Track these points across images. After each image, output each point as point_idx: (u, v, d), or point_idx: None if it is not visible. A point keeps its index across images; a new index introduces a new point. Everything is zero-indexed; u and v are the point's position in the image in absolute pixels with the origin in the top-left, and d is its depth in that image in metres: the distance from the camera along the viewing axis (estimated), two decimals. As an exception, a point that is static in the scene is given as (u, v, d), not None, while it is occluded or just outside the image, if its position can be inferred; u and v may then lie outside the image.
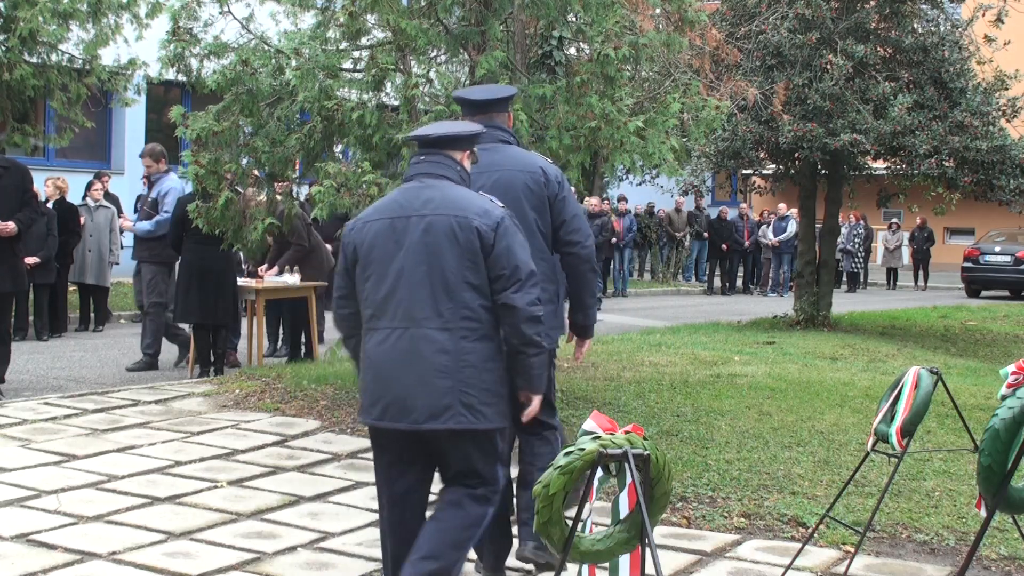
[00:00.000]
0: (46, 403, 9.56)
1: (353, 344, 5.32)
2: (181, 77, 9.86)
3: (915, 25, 17.87)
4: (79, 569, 5.85)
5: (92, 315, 16.05)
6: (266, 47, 9.58)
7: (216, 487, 7.43)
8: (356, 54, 9.74)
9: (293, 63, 9.12)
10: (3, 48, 15.42)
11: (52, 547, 6.15)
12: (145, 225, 12.29)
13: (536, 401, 5.20)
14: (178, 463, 7.93)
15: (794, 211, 24.72)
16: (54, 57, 16.61)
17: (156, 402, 9.70)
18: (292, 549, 6.31)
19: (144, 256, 12.48)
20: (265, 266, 12.79)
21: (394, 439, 5.13)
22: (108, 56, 16.82)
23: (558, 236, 6.00)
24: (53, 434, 8.53)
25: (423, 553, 5.04)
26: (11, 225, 9.76)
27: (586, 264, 6.00)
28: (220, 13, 9.80)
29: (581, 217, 6.05)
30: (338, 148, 10.38)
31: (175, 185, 12.42)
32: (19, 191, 10.00)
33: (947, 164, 17.59)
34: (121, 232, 12.79)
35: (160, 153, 12.51)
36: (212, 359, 11.72)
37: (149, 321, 12.31)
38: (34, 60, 16.13)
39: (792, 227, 26.91)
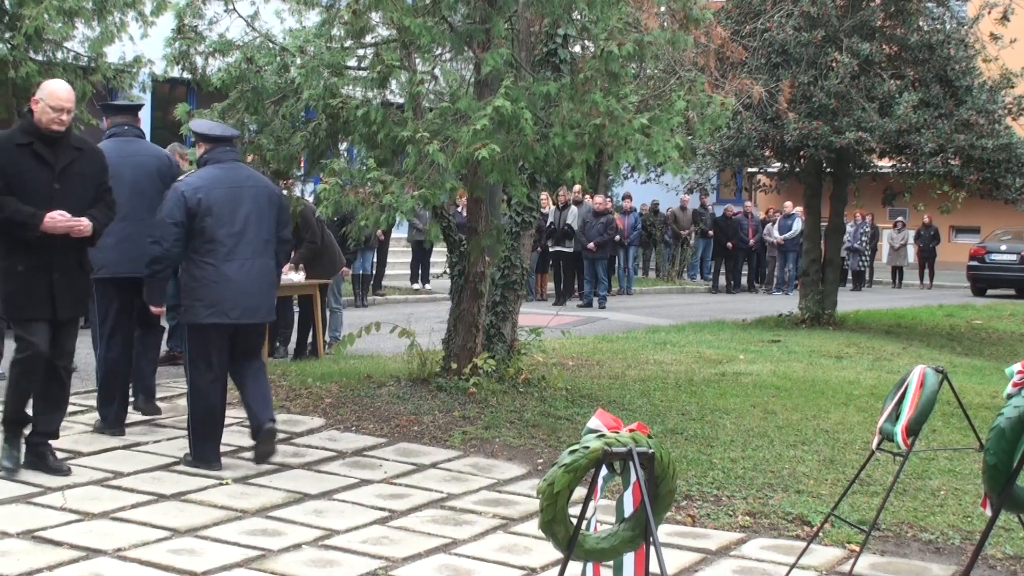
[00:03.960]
0: (51, 400, 9.56)
1: (170, 271, 8.04)
2: (186, 75, 9.86)
3: (921, 23, 17.86)
4: (85, 566, 5.86)
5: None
6: (271, 45, 9.58)
7: (221, 484, 7.44)
8: (361, 52, 9.73)
9: (298, 61, 9.12)
10: (9, 46, 15.41)
11: (58, 544, 6.15)
12: None
13: None
14: (183, 460, 7.93)
15: (799, 209, 24.72)
16: (59, 55, 16.59)
17: (161, 399, 9.70)
18: (297, 547, 6.31)
19: None
20: None
21: (229, 331, 7.82)
22: (113, 54, 16.80)
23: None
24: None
25: (269, 402, 8.14)
26: (85, 222, 7.31)
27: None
28: (225, 11, 9.79)
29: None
30: (343, 146, 10.38)
31: None
32: (95, 182, 7.59)
33: (953, 162, 17.59)
34: None
35: None
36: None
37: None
38: (39, 58, 16.12)
39: (798, 225, 26.86)
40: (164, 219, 7.71)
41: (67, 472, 7.43)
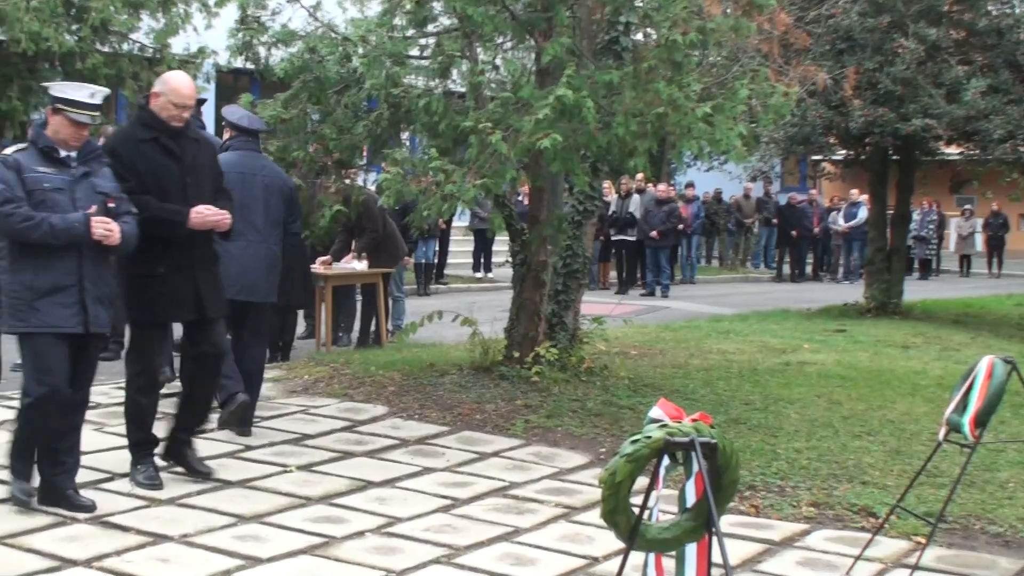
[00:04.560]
0: (119, 387, 9.62)
1: None
2: (250, 65, 9.94)
3: (989, 7, 17.55)
4: (151, 551, 5.93)
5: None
6: (333, 35, 9.61)
7: (286, 471, 7.48)
8: (423, 41, 9.75)
9: (360, 50, 9.15)
10: (76, 37, 15.62)
11: (126, 529, 6.23)
12: None
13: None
14: (248, 447, 8.00)
15: (865, 197, 24.46)
16: (125, 46, 16.82)
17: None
18: (360, 534, 6.34)
19: None
20: (328, 257, 12.72)
21: (236, 306, 7.94)
22: (178, 45, 16.99)
23: None
24: (125, 419, 8.61)
25: (251, 380, 8.36)
26: (228, 215, 7.01)
27: None
28: (288, 1, 9.85)
29: None
30: (405, 135, 10.40)
31: None
32: (214, 172, 7.27)
33: (1022, 149, 17.31)
34: None
35: None
36: (281, 344, 11.76)
37: None
38: (106, 49, 16.33)
39: (863, 213, 26.58)
40: None
41: (209, 472, 7.21)
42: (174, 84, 6.88)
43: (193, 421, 7.37)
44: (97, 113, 6.40)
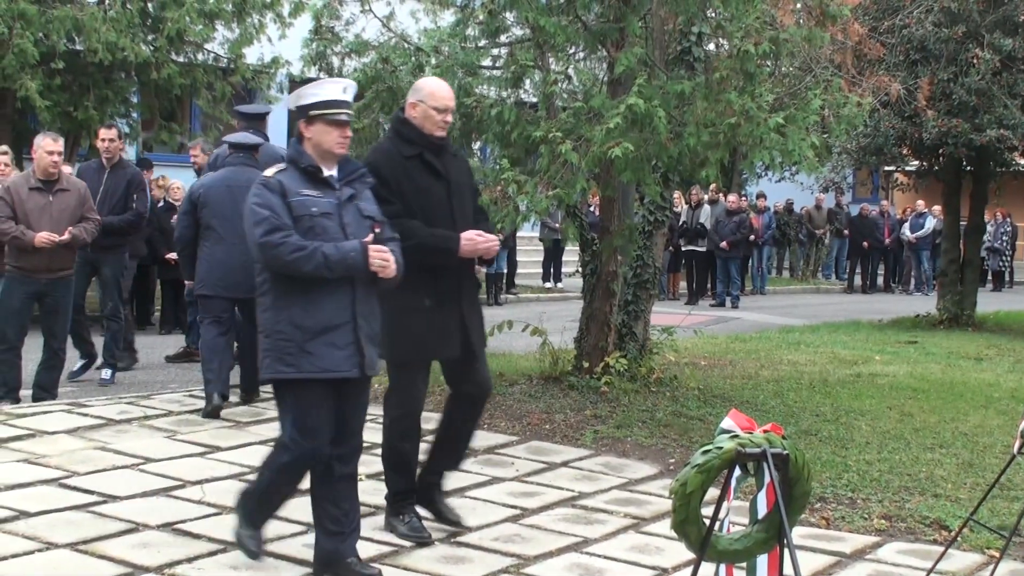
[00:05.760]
0: (191, 395, 9.76)
1: (189, 250, 9.43)
2: (323, 75, 10.03)
3: (1067, 16, 17.34)
4: (222, 558, 5.97)
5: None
6: (406, 45, 9.69)
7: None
8: (495, 51, 9.80)
9: (433, 61, 9.21)
10: (152, 47, 15.85)
11: (197, 536, 6.27)
12: None
13: None
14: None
15: (936, 208, 24.20)
16: (200, 56, 17.06)
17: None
18: (430, 543, 6.35)
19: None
20: None
21: (228, 301, 9.10)
22: (252, 55, 17.20)
23: None
24: (198, 426, 8.71)
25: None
26: (496, 241, 6.38)
27: None
28: (361, 12, 9.94)
29: None
30: (477, 145, 10.44)
31: None
32: (472, 190, 6.67)
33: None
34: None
35: None
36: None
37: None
38: (181, 59, 16.57)
39: (930, 224, 26.39)
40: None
41: (459, 520, 6.55)
42: (431, 88, 6.23)
43: (448, 463, 6.70)
44: (352, 111, 5.72)
